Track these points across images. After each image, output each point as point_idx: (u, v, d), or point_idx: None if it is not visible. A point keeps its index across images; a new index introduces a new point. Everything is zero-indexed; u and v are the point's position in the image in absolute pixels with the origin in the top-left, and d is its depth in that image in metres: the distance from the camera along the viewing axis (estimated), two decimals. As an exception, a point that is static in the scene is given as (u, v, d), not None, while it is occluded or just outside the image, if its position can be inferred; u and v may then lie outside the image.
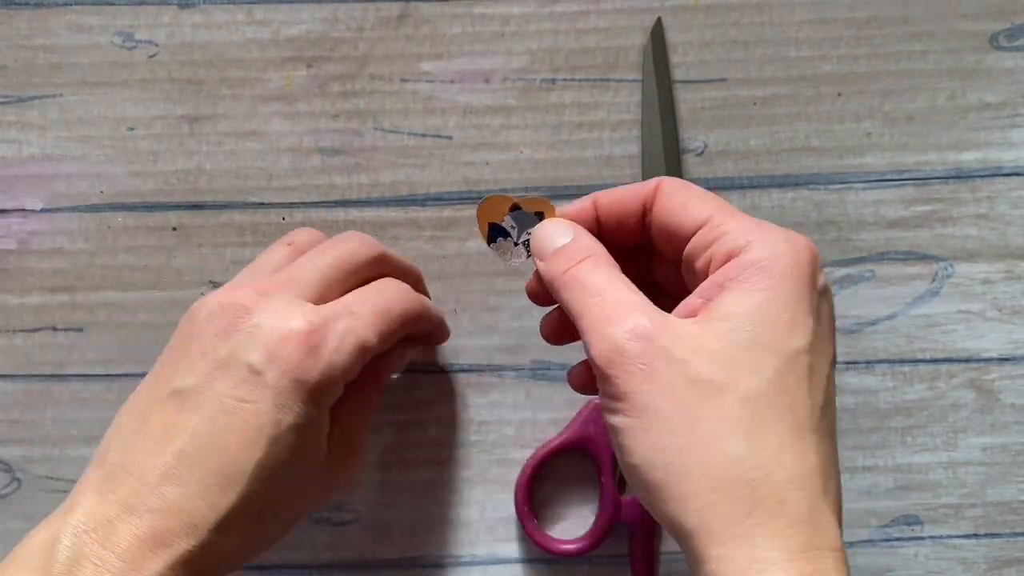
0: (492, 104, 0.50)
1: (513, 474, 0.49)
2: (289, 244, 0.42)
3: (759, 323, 0.32)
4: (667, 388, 0.32)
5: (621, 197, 0.38)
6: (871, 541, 0.50)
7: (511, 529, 0.49)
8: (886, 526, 0.50)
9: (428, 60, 0.50)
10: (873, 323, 0.50)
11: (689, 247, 0.36)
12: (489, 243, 0.40)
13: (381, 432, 0.50)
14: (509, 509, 0.49)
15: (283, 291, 0.38)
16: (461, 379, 0.50)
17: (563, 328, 0.40)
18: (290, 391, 0.36)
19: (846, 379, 0.50)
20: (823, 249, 0.50)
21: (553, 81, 0.50)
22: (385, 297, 0.40)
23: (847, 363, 0.50)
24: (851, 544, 0.50)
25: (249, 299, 0.37)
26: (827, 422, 0.33)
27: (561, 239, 0.37)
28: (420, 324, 0.42)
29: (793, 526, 0.31)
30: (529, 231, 0.40)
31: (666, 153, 0.49)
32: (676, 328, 0.33)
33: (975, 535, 0.50)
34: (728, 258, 0.34)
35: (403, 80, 0.50)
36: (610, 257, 0.36)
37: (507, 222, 0.40)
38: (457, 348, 0.50)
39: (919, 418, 0.50)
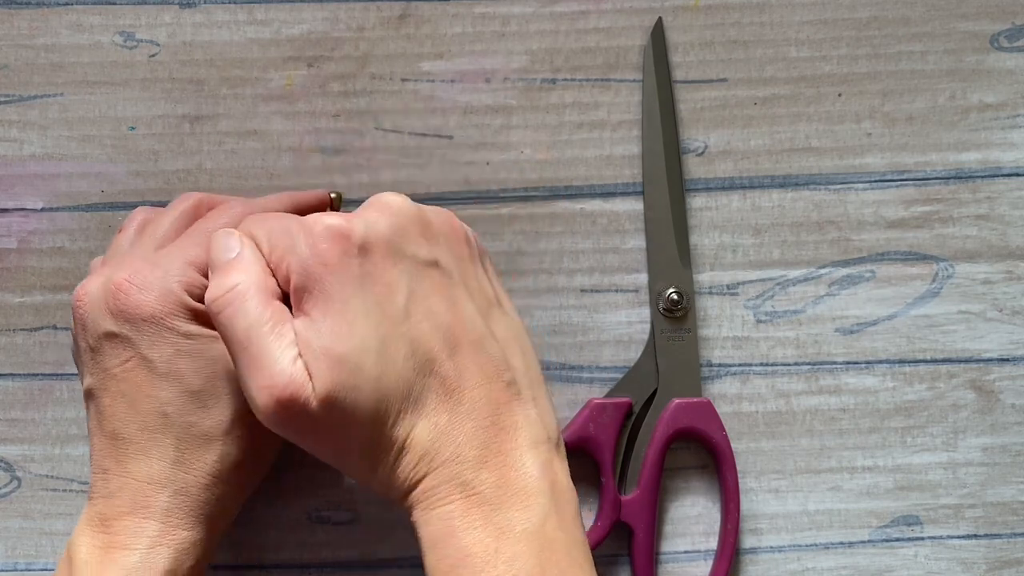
0: (493, 104, 0.50)
1: (513, 474, 0.49)
2: (122, 230, 0.45)
3: None
4: None
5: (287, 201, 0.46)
6: (871, 542, 0.50)
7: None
8: (886, 526, 0.50)
9: (429, 60, 0.50)
10: (873, 323, 0.50)
11: None
12: None
13: (381, 432, 0.50)
14: (509, 509, 0.49)
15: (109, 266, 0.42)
16: (461, 379, 0.50)
17: None
18: (145, 329, 0.40)
19: (846, 379, 0.50)
20: (823, 249, 0.50)
21: (553, 81, 0.50)
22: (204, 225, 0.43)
23: (847, 363, 0.50)
24: (850, 544, 0.50)
25: (81, 289, 0.41)
26: None
27: (227, 253, 0.38)
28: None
29: None
30: None
31: (666, 153, 0.49)
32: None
33: (975, 536, 0.50)
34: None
35: (404, 80, 0.50)
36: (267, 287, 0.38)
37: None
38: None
39: (919, 418, 0.50)
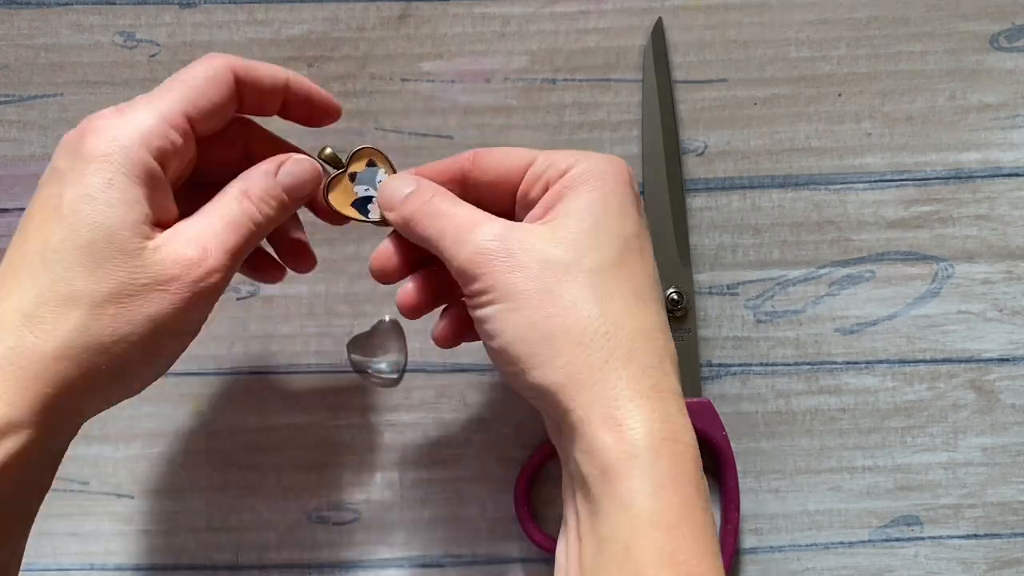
0: (493, 104, 0.50)
1: (513, 474, 0.49)
2: None
3: (596, 213, 0.38)
4: (527, 273, 0.36)
5: (440, 167, 0.41)
6: (871, 541, 0.50)
7: (511, 528, 0.49)
8: (886, 526, 0.50)
9: (429, 60, 0.50)
10: (873, 323, 0.50)
11: (523, 184, 0.40)
12: (361, 220, 0.42)
13: (381, 433, 0.50)
14: (509, 508, 0.49)
15: None
16: (461, 379, 0.50)
17: (422, 297, 0.42)
18: (75, 166, 0.36)
19: (846, 379, 0.50)
20: (823, 249, 0.50)
21: (554, 81, 0.50)
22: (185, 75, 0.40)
23: (847, 363, 0.50)
24: (851, 544, 0.50)
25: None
26: (659, 292, 0.39)
27: (407, 188, 0.40)
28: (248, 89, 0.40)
29: (643, 370, 0.36)
30: (378, 179, 0.42)
31: (666, 153, 0.49)
32: (527, 228, 0.38)
33: (975, 535, 0.50)
34: (561, 176, 0.39)
35: (404, 80, 0.50)
36: (452, 193, 0.40)
37: (359, 192, 0.42)
38: (457, 348, 0.50)
39: (919, 418, 0.50)
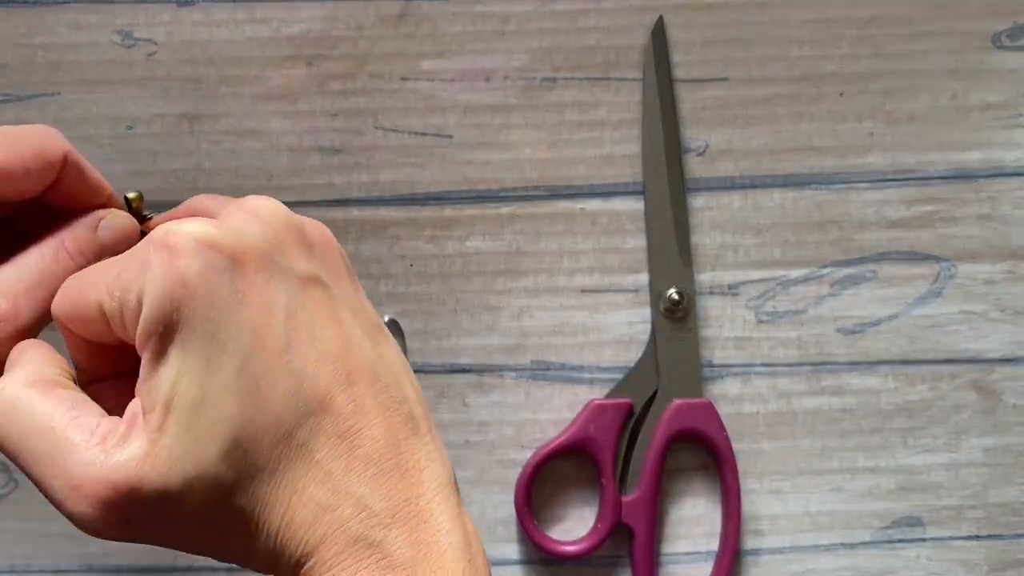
0: (493, 103, 0.50)
1: (513, 474, 0.49)
2: None
3: None
4: None
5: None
6: (872, 543, 0.49)
7: (511, 529, 0.49)
8: (888, 527, 0.49)
9: (428, 59, 0.50)
10: (875, 323, 0.50)
11: None
12: None
13: (380, 432, 0.50)
14: (509, 509, 0.49)
15: None
16: (461, 379, 0.50)
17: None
18: None
19: (848, 379, 0.50)
20: (825, 249, 0.50)
21: (554, 80, 0.50)
22: None
23: (849, 363, 0.50)
24: (852, 545, 0.49)
25: None
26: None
27: None
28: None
29: None
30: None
31: (667, 152, 0.49)
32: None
33: (977, 537, 0.50)
34: None
35: (403, 79, 0.50)
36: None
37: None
38: (457, 348, 0.50)
39: (921, 419, 0.50)
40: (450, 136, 0.50)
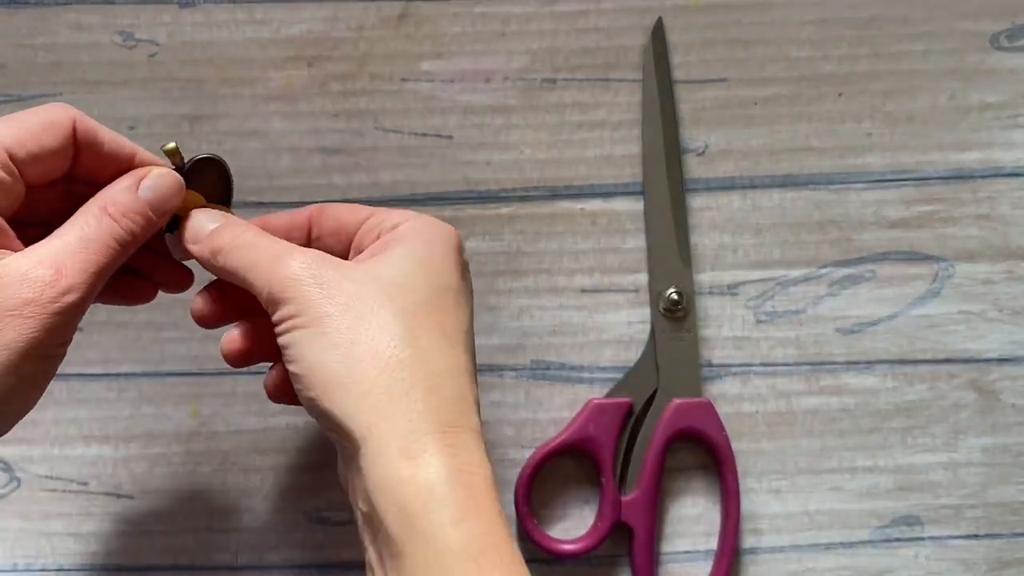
0: (493, 104, 0.50)
1: (513, 474, 0.49)
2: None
3: (415, 261, 0.38)
4: (337, 300, 0.36)
5: (284, 218, 0.42)
6: (871, 542, 0.50)
7: (511, 529, 0.49)
8: (886, 527, 0.50)
9: (428, 59, 0.50)
10: (874, 323, 0.50)
11: (358, 235, 0.41)
12: (166, 231, 0.40)
13: (381, 432, 0.50)
14: (509, 509, 0.49)
15: None
16: (461, 379, 0.50)
17: (248, 345, 0.41)
18: None
19: (846, 379, 0.50)
20: (824, 249, 0.50)
21: (554, 81, 0.50)
22: None
23: (848, 363, 0.50)
24: (851, 545, 0.50)
25: None
26: (470, 343, 0.38)
27: (213, 223, 0.40)
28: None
29: (444, 405, 0.35)
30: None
31: (667, 153, 0.49)
32: (343, 262, 0.38)
33: (975, 536, 0.50)
34: (392, 229, 0.40)
35: (403, 80, 0.50)
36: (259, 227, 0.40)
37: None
38: (457, 348, 0.50)
39: (920, 419, 0.50)
40: (450, 136, 0.50)
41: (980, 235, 0.50)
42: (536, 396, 0.50)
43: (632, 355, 0.50)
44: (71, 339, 0.37)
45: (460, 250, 0.40)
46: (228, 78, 0.49)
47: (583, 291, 0.50)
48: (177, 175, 0.39)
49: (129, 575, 0.49)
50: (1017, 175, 0.50)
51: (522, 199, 0.50)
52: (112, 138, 0.39)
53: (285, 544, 0.49)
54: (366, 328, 0.35)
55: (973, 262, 0.50)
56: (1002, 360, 0.50)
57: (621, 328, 0.50)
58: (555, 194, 0.50)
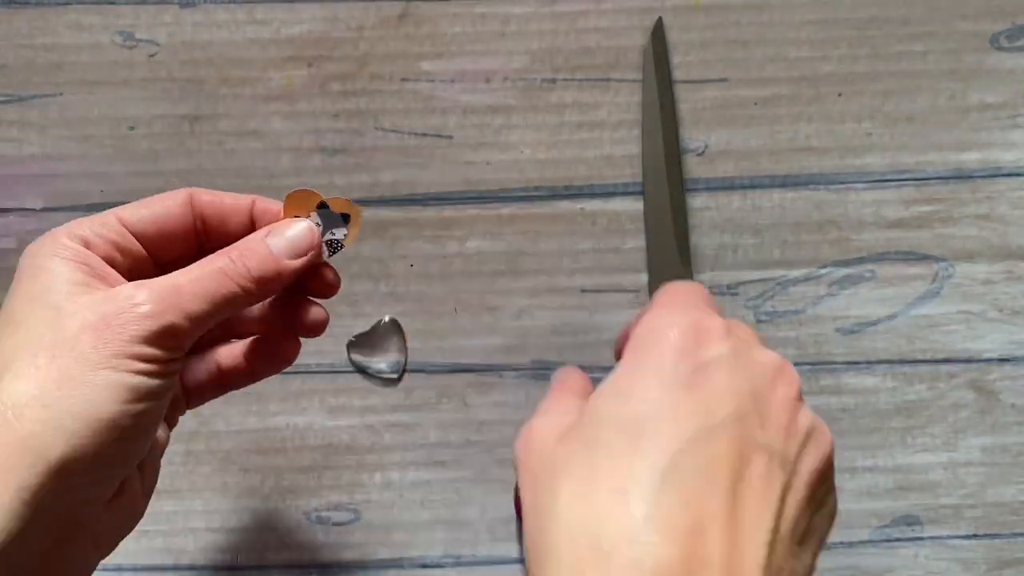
0: (492, 104, 0.50)
1: (513, 474, 0.49)
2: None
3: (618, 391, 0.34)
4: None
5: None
6: (871, 541, 0.50)
7: (511, 529, 0.49)
8: (886, 526, 0.50)
9: (428, 60, 0.50)
10: (874, 323, 0.50)
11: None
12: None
13: (381, 434, 0.50)
14: (509, 509, 0.49)
15: None
16: (461, 379, 0.50)
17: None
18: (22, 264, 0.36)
19: (846, 379, 0.50)
20: (824, 249, 0.50)
21: (553, 81, 0.50)
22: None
23: (848, 363, 0.50)
24: (851, 544, 0.50)
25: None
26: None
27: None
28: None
29: None
30: (333, 231, 0.39)
31: (666, 153, 0.49)
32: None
33: (975, 536, 0.50)
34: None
35: (403, 80, 0.50)
36: None
37: (312, 219, 0.38)
38: (457, 348, 0.50)
39: (919, 418, 0.50)
40: (450, 137, 0.50)
41: (980, 235, 0.50)
42: (536, 396, 0.50)
43: (632, 355, 0.50)
44: (170, 389, 0.35)
45: (685, 352, 0.34)
46: (228, 78, 0.49)
47: (583, 291, 0.50)
48: (300, 220, 0.38)
49: (129, 575, 0.49)
50: (1017, 175, 0.50)
51: (522, 199, 0.50)
52: (231, 198, 0.38)
53: (285, 544, 0.49)
54: None
55: (973, 262, 0.50)
56: (1002, 360, 0.50)
57: (621, 328, 0.50)
58: (555, 194, 0.50)
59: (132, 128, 0.49)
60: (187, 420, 0.49)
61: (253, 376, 0.41)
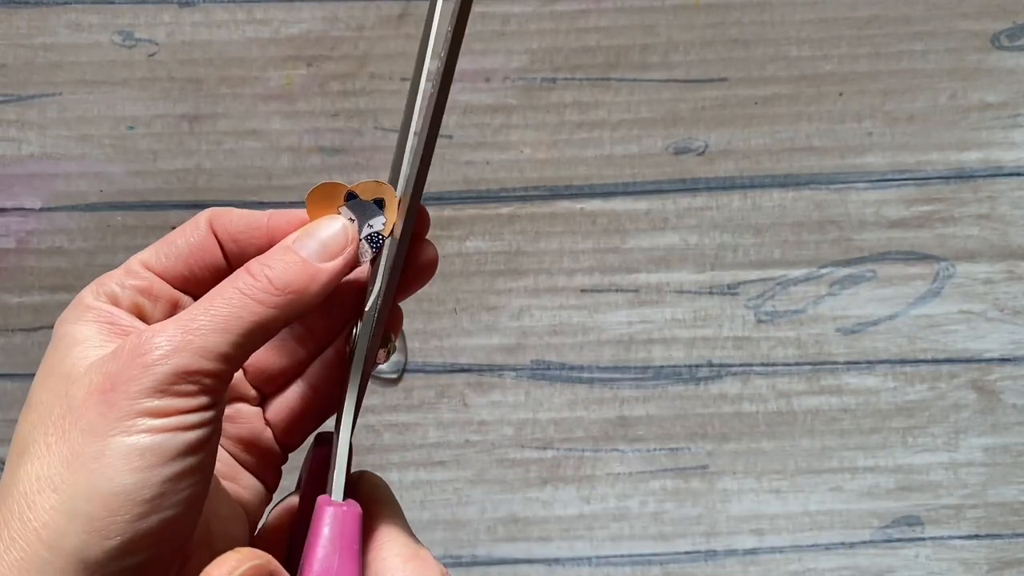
0: (492, 103, 0.50)
1: (513, 474, 0.49)
2: None
3: None
4: None
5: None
6: (872, 542, 0.49)
7: (511, 529, 0.49)
8: (887, 527, 0.50)
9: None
10: (874, 323, 0.50)
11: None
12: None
13: (381, 434, 0.50)
14: (509, 509, 0.49)
15: None
16: (461, 379, 0.50)
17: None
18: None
19: (847, 379, 0.50)
20: (824, 249, 0.50)
21: (553, 80, 0.50)
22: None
23: (848, 363, 0.50)
24: (851, 545, 0.49)
25: None
26: None
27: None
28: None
29: None
30: (371, 223, 0.33)
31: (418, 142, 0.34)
32: None
33: (976, 536, 0.50)
34: None
35: (403, 79, 0.50)
36: None
37: (344, 214, 0.32)
38: (457, 348, 0.50)
39: (920, 418, 0.50)
40: (450, 136, 0.50)
41: (980, 235, 0.50)
42: (536, 396, 0.50)
43: (632, 355, 0.50)
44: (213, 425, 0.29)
45: None
46: (228, 78, 0.49)
47: (583, 291, 0.50)
48: (332, 216, 0.32)
49: (128, 575, 0.49)
50: (1017, 175, 0.50)
51: (522, 199, 0.50)
52: (245, 214, 0.33)
53: (285, 544, 0.49)
54: None
55: (974, 262, 0.50)
56: (1003, 360, 0.50)
57: (621, 328, 0.50)
58: (555, 194, 0.50)
59: (131, 128, 0.49)
60: (186, 420, 0.49)
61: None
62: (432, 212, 0.50)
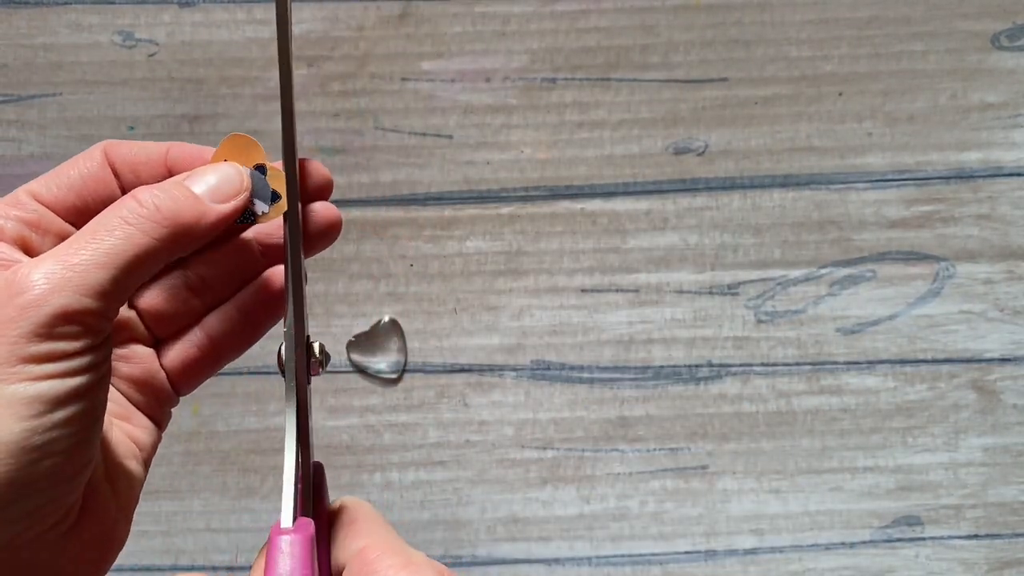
0: (493, 103, 0.50)
1: (513, 474, 0.49)
2: None
3: None
4: None
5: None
6: (872, 542, 0.49)
7: (511, 529, 0.49)
8: (887, 527, 0.50)
9: (429, 59, 0.50)
10: (874, 323, 0.50)
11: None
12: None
13: (381, 434, 0.50)
14: (509, 509, 0.49)
15: None
16: (461, 379, 0.50)
17: None
18: None
19: (847, 379, 0.50)
20: (824, 249, 0.50)
21: (553, 80, 0.50)
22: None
23: (848, 363, 0.50)
24: (851, 545, 0.49)
25: None
26: None
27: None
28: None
29: None
30: (256, 200, 0.31)
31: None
32: None
33: (976, 536, 0.50)
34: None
35: (404, 79, 0.50)
36: None
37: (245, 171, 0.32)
38: (457, 348, 0.50)
39: (920, 418, 0.50)
40: (450, 136, 0.50)
41: (980, 235, 0.50)
42: (536, 396, 0.50)
43: (632, 355, 0.50)
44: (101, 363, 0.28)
45: None
46: (228, 78, 0.49)
47: (583, 291, 0.50)
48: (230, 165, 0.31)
49: (129, 575, 0.49)
50: (1018, 175, 0.50)
51: (522, 199, 0.50)
52: (140, 146, 0.32)
53: (285, 544, 0.49)
54: None
55: (974, 262, 0.50)
56: (1003, 360, 0.50)
57: (621, 328, 0.50)
58: (555, 194, 0.50)
59: (132, 128, 0.49)
60: (187, 420, 0.49)
61: (250, 332, 0.33)
62: (432, 212, 0.50)
